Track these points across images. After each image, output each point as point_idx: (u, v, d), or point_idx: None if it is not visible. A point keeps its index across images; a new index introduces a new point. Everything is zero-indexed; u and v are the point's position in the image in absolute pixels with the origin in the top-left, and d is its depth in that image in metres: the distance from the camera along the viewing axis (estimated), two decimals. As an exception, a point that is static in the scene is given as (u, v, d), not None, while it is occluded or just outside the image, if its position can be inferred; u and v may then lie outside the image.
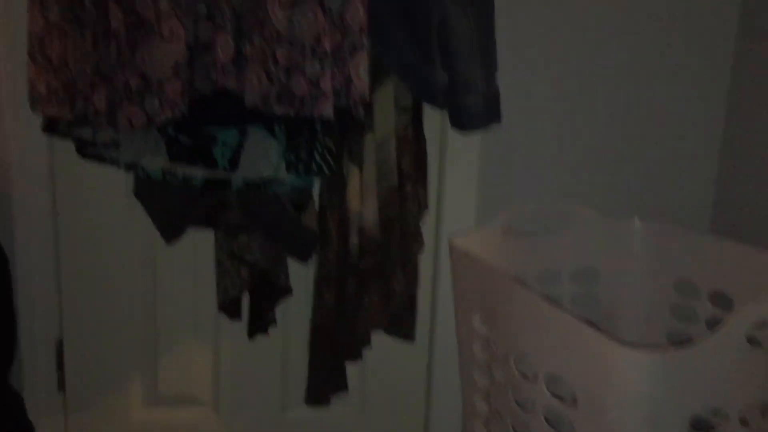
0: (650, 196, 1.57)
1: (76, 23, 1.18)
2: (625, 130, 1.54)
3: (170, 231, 1.40)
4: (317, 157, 1.23)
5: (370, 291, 1.39)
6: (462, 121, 1.32)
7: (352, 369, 1.49)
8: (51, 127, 1.28)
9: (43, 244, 1.47)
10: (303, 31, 1.13)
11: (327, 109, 1.15)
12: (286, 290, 1.45)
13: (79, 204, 1.49)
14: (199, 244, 1.48)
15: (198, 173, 1.27)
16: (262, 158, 1.26)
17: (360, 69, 1.17)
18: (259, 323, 1.46)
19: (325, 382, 1.43)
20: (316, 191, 1.40)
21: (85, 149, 1.30)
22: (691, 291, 1.41)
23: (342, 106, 1.20)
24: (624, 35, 1.51)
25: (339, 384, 1.46)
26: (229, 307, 1.44)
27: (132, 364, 1.58)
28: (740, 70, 1.51)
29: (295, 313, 1.54)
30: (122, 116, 1.15)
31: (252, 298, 1.45)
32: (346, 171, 1.34)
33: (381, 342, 1.50)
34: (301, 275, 1.49)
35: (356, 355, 1.45)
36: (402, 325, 1.45)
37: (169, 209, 1.38)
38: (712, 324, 1.05)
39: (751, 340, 0.99)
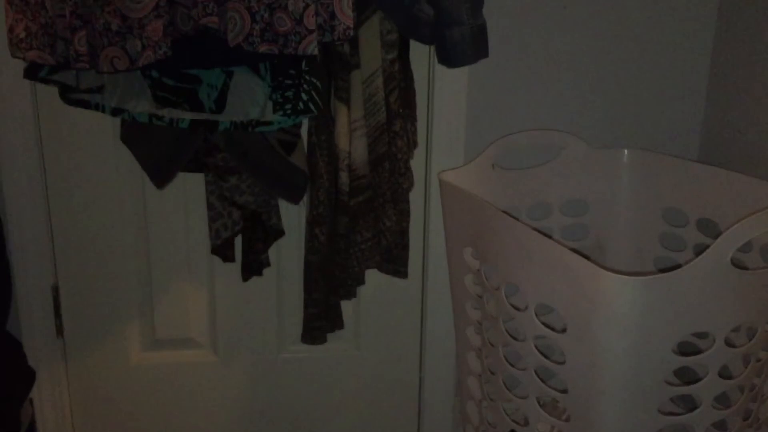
0: (638, 126, 1.57)
1: None
2: (612, 59, 1.53)
3: (160, 175, 1.39)
4: (304, 96, 1.22)
5: (361, 229, 1.40)
6: (449, 56, 1.31)
7: (346, 307, 1.50)
8: (33, 72, 1.26)
9: (32, 190, 1.46)
10: None
11: (311, 46, 1.14)
12: (279, 231, 1.45)
13: (66, 150, 1.48)
14: (190, 187, 1.48)
15: (185, 116, 1.26)
16: (249, 99, 1.26)
17: (344, 4, 1.15)
18: (253, 265, 1.47)
19: (320, 320, 1.45)
20: (304, 131, 1.39)
21: (69, 95, 1.29)
22: (679, 219, 1.43)
23: (327, 43, 1.19)
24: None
25: (334, 322, 1.48)
26: (222, 250, 1.44)
27: (129, 308, 1.59)
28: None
29: (289, 254, 1.56)
30: (104, 59, 1.14)
31: (244, 240, 1.46)
32: (333, 109, 1.33)
33: (375, 279, 1.51)
34: (293, 215, 1.50)
35: (350, 293, 1.47)
36: (394, 262, 1.47)
37: (158, 153, 1.37)
38: (700, 251, 1.08)
39: (737, 264, 1.00)
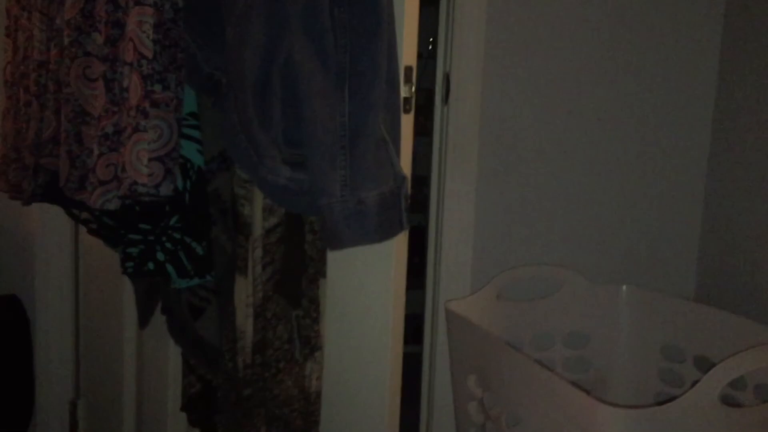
0: (636, 262, 1.64)
1: (12, 102, 1.23)
2: (611, 197, 1.62)
3: (140, 315, 1.31)
4: (160, 257, 1.04)
5: (257, 423, 1.09)
6: (322, 233, 0.93)
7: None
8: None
9: (62, 306, 1.52)
10: (94, 109, 1.01)
11: (102, 199, 0.99)
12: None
13: (99, 270, 1.53)
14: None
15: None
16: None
17: (133, 155, 0.95)
18: None
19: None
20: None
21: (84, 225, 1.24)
22: (677, 355, 1.47)
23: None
24: (612, 99, 1.59)
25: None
26: (188, 409, 1.23)
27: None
28: (720, 132, 1.60)
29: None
30: (24, 187, 1.17)
31: (203, 406, 1.20)
32: (232, 279, 1.07)
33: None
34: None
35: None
36: None
37: (138, 293, 1.29)
38: (698, 387, 1.12)
39: (731, 402, 1.04)
